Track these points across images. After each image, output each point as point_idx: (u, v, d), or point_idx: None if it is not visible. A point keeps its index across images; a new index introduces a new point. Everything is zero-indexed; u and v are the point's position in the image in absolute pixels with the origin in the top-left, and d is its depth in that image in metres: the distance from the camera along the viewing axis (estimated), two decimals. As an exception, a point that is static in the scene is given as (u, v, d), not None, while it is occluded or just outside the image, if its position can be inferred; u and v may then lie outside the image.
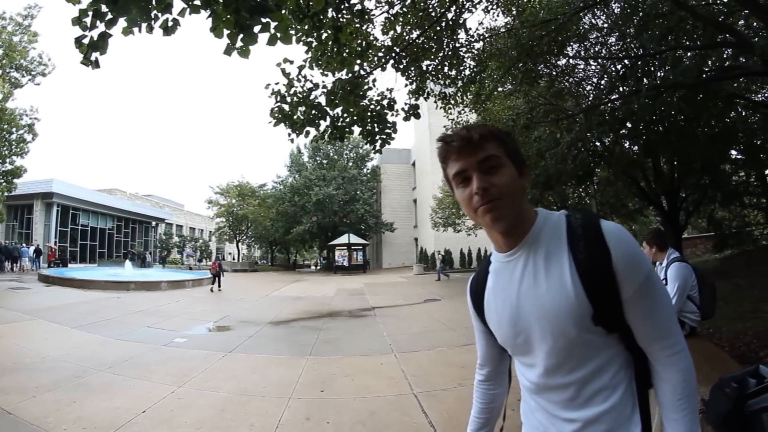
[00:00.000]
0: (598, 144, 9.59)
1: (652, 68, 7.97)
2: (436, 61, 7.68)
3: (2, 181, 19.86)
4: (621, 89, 8.00)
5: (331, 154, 36.81)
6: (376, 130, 6.38)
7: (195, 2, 3.20)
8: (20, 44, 18.01)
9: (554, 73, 8.23)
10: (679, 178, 10.90)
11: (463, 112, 9.75)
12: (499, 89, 8.47)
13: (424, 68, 7.52)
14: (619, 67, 8.31)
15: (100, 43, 3.38)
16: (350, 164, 37.23)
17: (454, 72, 7.98)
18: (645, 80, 7.71)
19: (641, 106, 6.41)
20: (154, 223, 43.36)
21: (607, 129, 7.64)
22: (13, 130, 19.31)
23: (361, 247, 32.76)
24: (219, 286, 16.76)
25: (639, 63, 7.56)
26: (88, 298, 12.08)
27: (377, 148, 6.59)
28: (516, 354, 1.06)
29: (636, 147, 9.63)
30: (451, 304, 11.75)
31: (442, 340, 7.08)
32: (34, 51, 18.80)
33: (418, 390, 4.53)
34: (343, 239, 32.24)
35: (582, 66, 8.78)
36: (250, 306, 12.29)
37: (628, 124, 8.18)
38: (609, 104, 7.71)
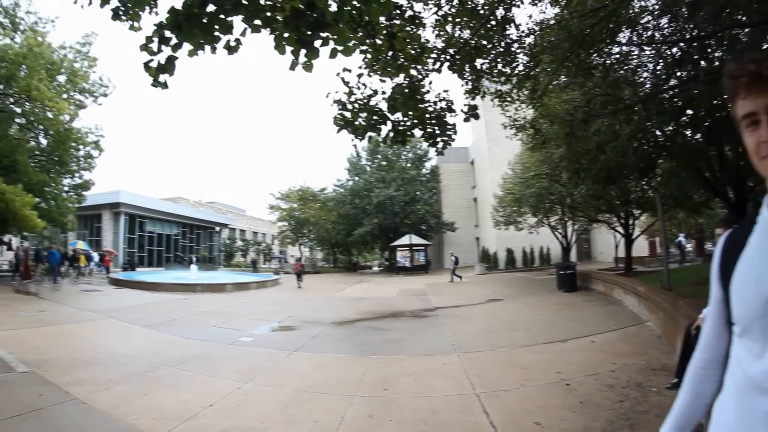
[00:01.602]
0: (658, 134, 9.11)
1: (709, 50, 7.49)
2: (489, 59, 7.61)
3: (73, 193, 21.55)
4: (678, 75, 7.59)
5: (389, 155, 36.85)
6: (437, 132, 6.42)
7: (256, 22, 3.37)
8: (81, 69, 19.38)
9: (608, 62, 7.88)
10: (745, 166, 10.11)
11: (519, 108, 9.56)
12: (554, 83, 8.24)
13: (478, 67, 7.46)
14: (674, 51, 7.89)
15: (168, 66, 3.58)
16: (409, 165, 37.24)
17: (508, 69, 7.87)
18: (702, 63, 7.27)
19: (700, 91, 6.05)
20: (217, 229, 45.84)
21: (667, 118, 7.27)
22: (81, 147, 20.86)
23: (422, 248, 32.51)
24: (300, 282, 18.97)
25: (695, 45, 7.13)
26: (156, 300, 12.79)
27: (439, 149, 6.63)
28: (747, 335, 0.88)
29: (698, 135, 9.09)
30: (514, 305, 11.51)
31: (505, 341, 6.98)
32: (94, 75, 20.27)
33: (480, 390, 4.53)
34: (405, 240, 32.17)
35: (636, 53, 8.37)
36: (313, 307, 12.45)
37: (689, 112, 7.76)
38: (667, 91, 7.34)
